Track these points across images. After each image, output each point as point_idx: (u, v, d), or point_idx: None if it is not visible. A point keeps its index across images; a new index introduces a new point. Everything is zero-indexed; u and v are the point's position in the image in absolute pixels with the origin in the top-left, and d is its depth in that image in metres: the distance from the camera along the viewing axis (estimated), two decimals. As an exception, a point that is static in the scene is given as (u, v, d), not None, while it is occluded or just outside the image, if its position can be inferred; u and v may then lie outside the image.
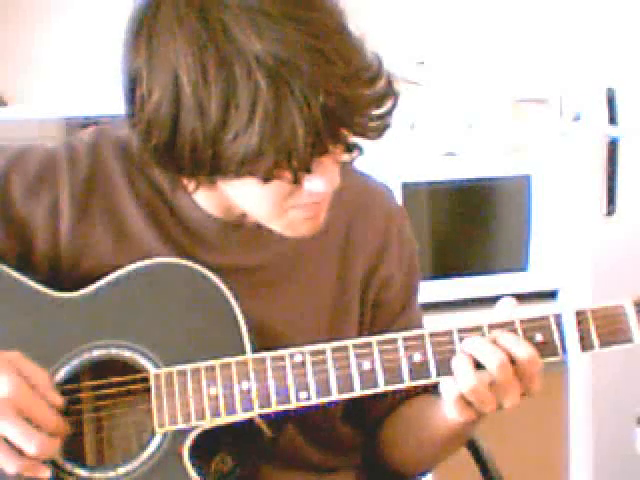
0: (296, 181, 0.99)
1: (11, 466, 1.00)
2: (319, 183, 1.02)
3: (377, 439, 1.28)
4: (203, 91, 0.96)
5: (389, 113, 1.01)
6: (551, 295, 2.49)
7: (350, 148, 1.02)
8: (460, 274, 2.45)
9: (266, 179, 0.99)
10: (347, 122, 0.98)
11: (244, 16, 0.96)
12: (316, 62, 0.95)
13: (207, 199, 1.14)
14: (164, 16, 0.98)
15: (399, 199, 2.26)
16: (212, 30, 0.96)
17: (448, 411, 1.06)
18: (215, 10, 0.96)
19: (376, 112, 1.00)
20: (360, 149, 1.03)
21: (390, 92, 1.01)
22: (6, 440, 0.99)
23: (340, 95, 0.96)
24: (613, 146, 2.46)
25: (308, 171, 0.99)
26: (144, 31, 1.00)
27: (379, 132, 1.01)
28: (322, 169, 1.01)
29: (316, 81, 0.95)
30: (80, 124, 2.25)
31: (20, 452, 1.00)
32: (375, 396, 1.14)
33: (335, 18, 1.00)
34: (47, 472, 1.03)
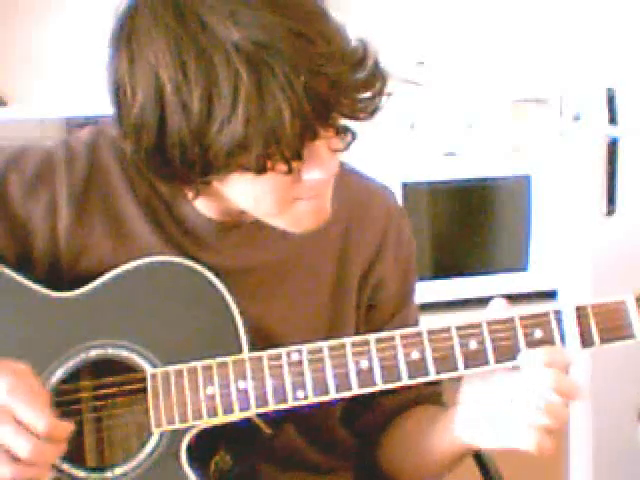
0: (290, 170, 0.98)
1: (4, 471, 0.97)
2: (317, 172, 1.01)
3: (374, 450, 1.27)
4: (184, 87, 0.95)
5: (378, 95, 1.00)
6: (551, 295, 2.49)
7: (341, 131, 1.01)
8: (460, 274, 2.45)
9: (259, 171, 0.98)
10: (333, 103, 0.97)
11: (221, 7, 0.95)
12: (296, 43, 0.95)
13: (205, 203, 1.13)
14: (142, 19, 0.98)
15: (399, 199, 2.25)
16: (189, 25, 0.96)
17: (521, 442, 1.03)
18: (191, 5, 0.96)
19: (364, 95, 0.99)
20: (353, 133, 1.02)
21: (378, 74, 1.00)
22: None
23: (323, 74, 0.95)
24: (613, 146, 2.46)
25: (300, 158, 0.98)
26: (124, 36, 1.00)
27: (368, 114, 1.00)
28: (317, 157, 1.00)
29: (297, 61, 0.94)
30: (80, 124, 2.25)
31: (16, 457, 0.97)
32: (370, 403, 1.13)
33: (314, 2, 1.00)
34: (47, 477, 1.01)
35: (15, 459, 0.97)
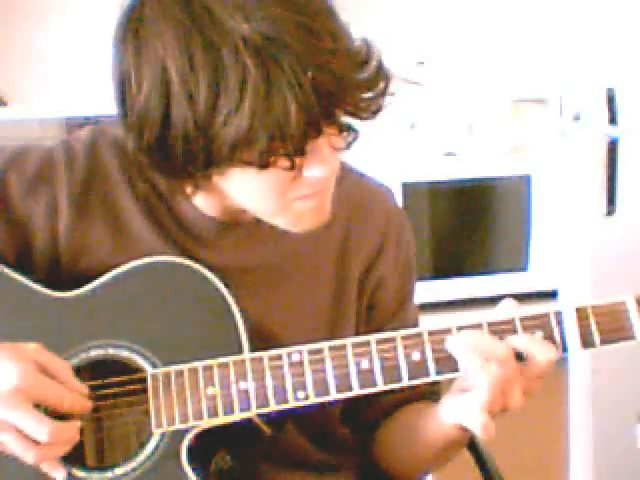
0: (293, 166, 0.98)
1: (28, 456, 0.99)
2: (318, 169, 1.01)
3: (372, 446, 1.28)
4: (191, 78, 0.95)
5: (381, 95, 1.01)
6: (551, 295, 2.50)
7: (344, 129, 1.01)
8: (460, 274, 2.45)
9: (262, 166, 0.98)
10: (339, 100, 0.97)
11: (230, 0, 0.96)
12: (304, 38, 0.95)
13: (205, 201, 1.13)
14: (149, 11, 0.98)
15: (399, 199, 2.26)
16: (197, 17, 0.96)
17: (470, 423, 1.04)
18: None
19: (367, 94, 0.99)
20: (356, 132, 1.02)
21: (381, 74, 1.00)
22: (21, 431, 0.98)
23: (330, 70, 0.95)
24: (613, 146, 2.46)
25: (303, 153, 0.98)
26: (131, 28, 1.00)
27: (372, 112, 1.01)
28: (319, 154, 1.01)
29: (304, 56, 0.94)
30: (80, 124, 2.26)
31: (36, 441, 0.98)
32: (369, 400, 1.13)
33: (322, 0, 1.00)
34: (61, 471, 1.02)
35: (35, 442, 0.98)
